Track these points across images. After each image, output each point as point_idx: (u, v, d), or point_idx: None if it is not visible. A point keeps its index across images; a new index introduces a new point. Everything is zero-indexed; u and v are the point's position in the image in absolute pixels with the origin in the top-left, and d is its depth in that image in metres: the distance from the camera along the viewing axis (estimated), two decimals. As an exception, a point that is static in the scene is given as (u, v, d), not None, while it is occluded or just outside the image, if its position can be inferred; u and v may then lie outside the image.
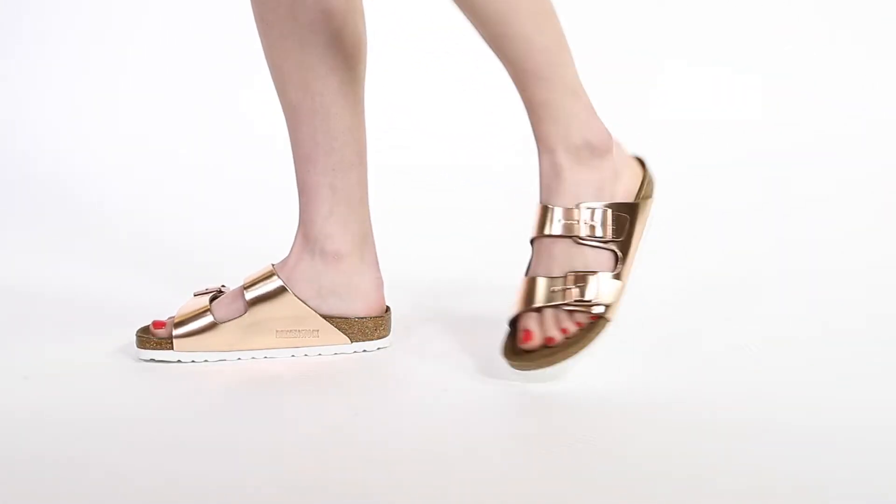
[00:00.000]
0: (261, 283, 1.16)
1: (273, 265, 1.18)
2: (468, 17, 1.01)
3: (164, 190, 1.82)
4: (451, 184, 1.85)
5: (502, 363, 1.07)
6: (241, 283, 1.18)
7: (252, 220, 1.75)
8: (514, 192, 1.76)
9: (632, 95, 2.00)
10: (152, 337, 1.15)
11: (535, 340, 1.00)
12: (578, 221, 1.02)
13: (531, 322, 1.02)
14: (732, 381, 1.10)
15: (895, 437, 0.97)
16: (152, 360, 1.15)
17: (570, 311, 1.01)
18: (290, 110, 1.16)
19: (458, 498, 0.86)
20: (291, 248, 1.19)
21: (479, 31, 1.02)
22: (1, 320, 1.27)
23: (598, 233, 1.02)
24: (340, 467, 0.91)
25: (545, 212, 1.03)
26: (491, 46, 1.01)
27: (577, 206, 1.02)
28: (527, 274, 1.06)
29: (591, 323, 1.01)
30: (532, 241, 1.06)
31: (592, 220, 1.02)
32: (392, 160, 1.84)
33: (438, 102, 2.01)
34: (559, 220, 1.02)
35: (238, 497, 0.86)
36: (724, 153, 1.98)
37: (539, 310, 1.02)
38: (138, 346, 1.15)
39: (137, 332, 1.16)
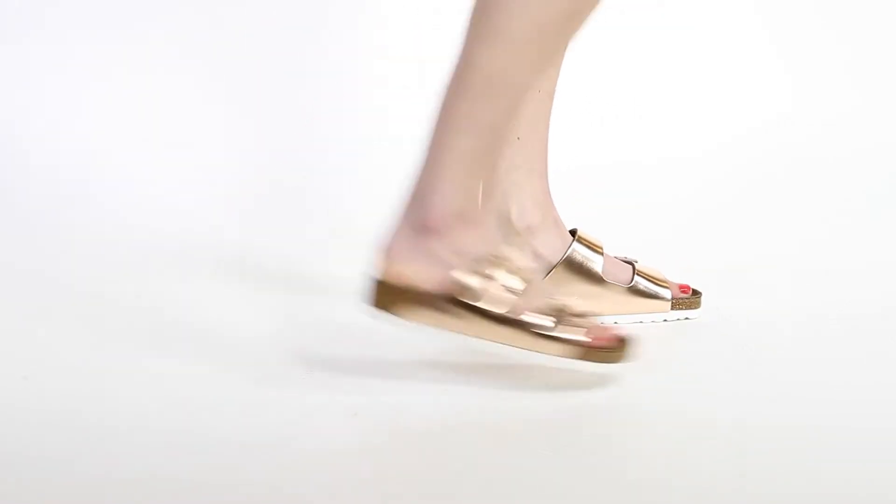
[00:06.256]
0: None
1: None
2: None
3: (163, 186, 1.82)
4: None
5: (507, 363, 1.08)
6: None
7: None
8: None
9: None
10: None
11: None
12: None
13: None
14: (729, 381, 1.10)
15: (894, 436, 0.98)
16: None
17: None
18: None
19: (458, 498, 0.87)
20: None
21: None
22: (1, 320, 1.27)
23: None
24: (340, 468, 0.91)
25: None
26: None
27: None
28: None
29: None
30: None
31: None
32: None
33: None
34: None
35: (237, 497, 0.86)
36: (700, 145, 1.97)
37: None
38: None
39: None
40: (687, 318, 1.25)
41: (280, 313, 1.31)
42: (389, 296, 1.03)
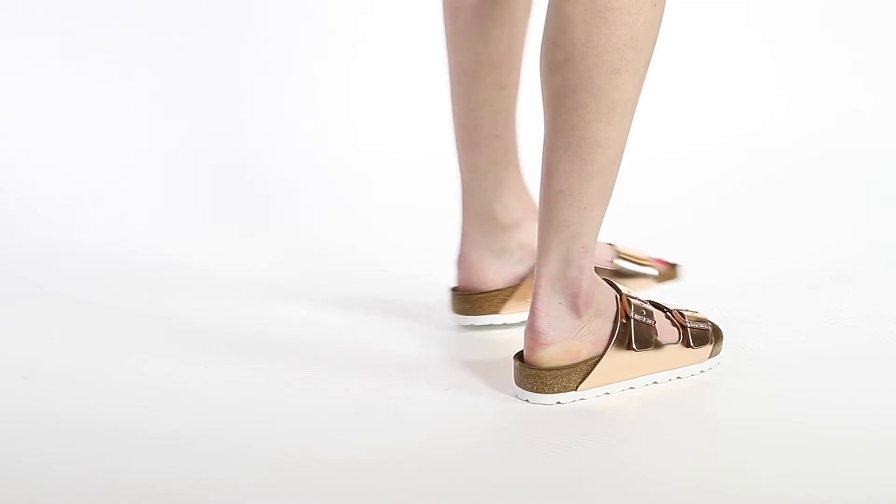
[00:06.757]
0: None
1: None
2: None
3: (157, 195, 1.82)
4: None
5: (506, 363, 1.08)
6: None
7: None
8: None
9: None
10: None
11: None
12: None
13: None
14: (730, 382, 1.10)
15: (893, 436, 0.98)
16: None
17: None
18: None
19: (458, 498, 0.87)
20: None
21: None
22: (1, 320, 1.27)
23: None
24: (341, 468, 0.91)
25: None
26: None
27: None
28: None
29: None
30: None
31: None
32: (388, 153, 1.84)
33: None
34: None
35: (236, 497, 0.86)
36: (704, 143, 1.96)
37: None
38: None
39: None
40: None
41: (280, 314, 1.31)
42: (566, 378, 1.04)
